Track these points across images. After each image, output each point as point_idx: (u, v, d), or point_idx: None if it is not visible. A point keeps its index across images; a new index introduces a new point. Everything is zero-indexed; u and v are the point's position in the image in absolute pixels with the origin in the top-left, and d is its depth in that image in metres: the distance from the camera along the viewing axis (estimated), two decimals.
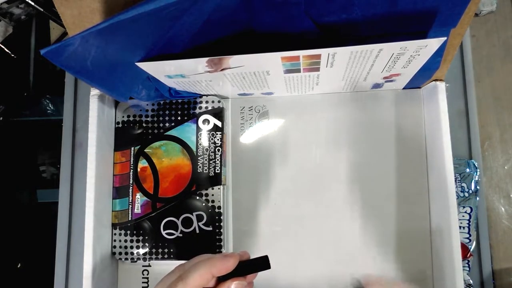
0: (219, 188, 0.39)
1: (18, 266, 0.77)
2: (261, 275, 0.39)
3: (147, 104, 0.40)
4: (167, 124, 0.40)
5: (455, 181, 0.42)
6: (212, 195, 0.39)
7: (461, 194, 0.42)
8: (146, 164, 0.40)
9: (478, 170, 0.44)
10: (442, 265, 0.36)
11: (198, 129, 0.39)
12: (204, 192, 0.39)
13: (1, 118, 0.72)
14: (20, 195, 0.78)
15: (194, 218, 0.39)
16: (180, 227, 0.39)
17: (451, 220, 0.34)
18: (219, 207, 0.38)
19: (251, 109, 0.41)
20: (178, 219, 0.39)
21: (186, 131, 0.40)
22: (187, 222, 0.39)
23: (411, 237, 0.39)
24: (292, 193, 0.40)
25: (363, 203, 0.39)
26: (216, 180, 0.39)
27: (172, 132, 0.40)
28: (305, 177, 0.40)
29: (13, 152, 0.77)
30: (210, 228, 0.38)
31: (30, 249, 0.77)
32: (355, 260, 0.39)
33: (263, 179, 0.40)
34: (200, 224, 0.38)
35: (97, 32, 0.25)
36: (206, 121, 0.39)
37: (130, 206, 0.39)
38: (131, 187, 0.40)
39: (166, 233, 0.39)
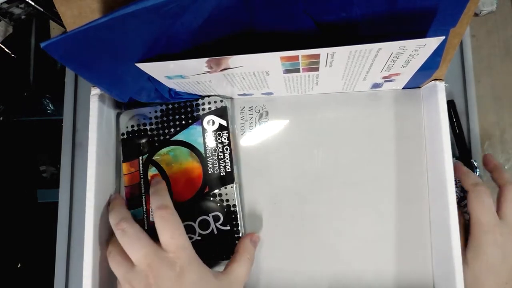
0: (232, 187, 0.39)
1: (18, 266, 0.77)
2: (261, 275, 0.39)
3: (150, 112, 0.40)
4: (172, 130, 0.40)
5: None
6: (226, 194, 0.38)
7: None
8: (156, 172, 0.39)
9: (478, 170, 0.44)
10: (442, 265, 0.36)
11: (204, 130, 0.39)
12: (217, 192, 0.39)
13: (1, 118, 0.72)
14: (20, 195, 0.78)
15: (210, 219, 0.38)
16: (198, 230, 0.38)
17: (451, 220, 0.34)
18: (234, 206, 0.38)
19: (251, 109, 0.41)
20: (195, 223, 0.38)
21: (192, 134, 0.39)
22: (204, 224, 0.38)
23: (411, 236, 0.39)
24: (292, 192, 0.40)
25: (363, 203, 0.39)
26: (228, 179, 0.39)
27: (178, 137, 0.40)
28: (305, 176, 0.40)
29: (13, 152, 0.77)
30: (228, 228, 0.38)
31: (30, 249, 0.77)
32: (355, 260, 0.39)
33: (262, 179, 0.40)
34: (217, 224, 0.38)
35: (97, 27, 0.25)
36: (211, 121, 0.39)
37: (145, 215, 0.39)
38: (143, 197, 0.39)
39: None
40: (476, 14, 0.51)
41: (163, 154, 0.39)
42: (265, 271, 0.39)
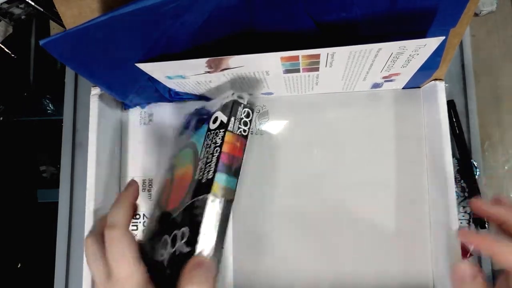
0: (205, 198, 0.29)
1: (18, 266, 0.77)
2: (261, 274, 0.39)
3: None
4: (195, 130, 0.36)
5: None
6: (199, 206, 0.29)
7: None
8: (171, 175, 0.35)
9: (478, 170, 0.44)
10: (442, 265, 0.36)
11: (208, 129, 0.33)
12: (194, 204, 0.29)
13: (1, 118, 0.72)
14: (20, 195, 0.78)
15: (179, 235, 0.29)
16: (168, 249, 0.29)
17: (451, 220, 0.34)
18: (199, 222, 0.28)
19: None
20: (169, 237, 0.30)
21: (201, 134, 0.33)
22: (172, 242, 0.30)
23: (411, 237, 0.39)
24: (292, 193, 0.40)
25: (363, 203, 0.39)
26: (205, 188, 0.29)
27: (192, 138, 0.35)
28: (305, 177, 0.40)
29: (13, 152, 0.77)
30: (189, 249, 0.28)
31: (30, 249, 0.77)
32: (355, 260, 0.39)
33: (262, 179, 0.40)
34: (181, 243, 0.29)
35: (97, 25, 0.25)
36: (216, 119, 0.32)
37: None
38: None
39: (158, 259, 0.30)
40: (476, 14, 0.51)
41: (177, 157, 0.36)
42: (265, 271, 0.39)
